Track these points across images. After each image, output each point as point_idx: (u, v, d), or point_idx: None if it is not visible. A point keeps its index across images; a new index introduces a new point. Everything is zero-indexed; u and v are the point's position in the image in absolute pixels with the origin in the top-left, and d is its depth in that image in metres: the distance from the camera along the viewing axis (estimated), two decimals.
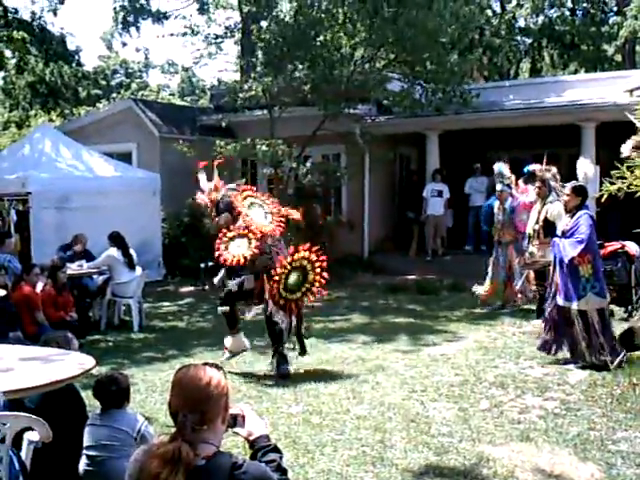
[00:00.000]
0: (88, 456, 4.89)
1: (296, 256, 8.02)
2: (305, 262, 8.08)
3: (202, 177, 8.68)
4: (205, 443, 2.60)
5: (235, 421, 2.89)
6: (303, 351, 8.43)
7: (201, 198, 8.67)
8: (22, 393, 4.19)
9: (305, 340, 8.48)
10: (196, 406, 2.61)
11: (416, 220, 17.01)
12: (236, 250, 7.89)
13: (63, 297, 10.10)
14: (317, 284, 8.20)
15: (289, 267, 7.97)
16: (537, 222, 9.59)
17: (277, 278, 7.93)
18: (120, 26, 25.04)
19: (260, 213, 8.30)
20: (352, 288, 14.52)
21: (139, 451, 2.76)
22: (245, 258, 7.81)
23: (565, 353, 8.13)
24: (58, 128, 18.87)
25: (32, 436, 3.82)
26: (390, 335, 10.03)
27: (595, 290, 7.82)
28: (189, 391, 2.65)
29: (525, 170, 11.02)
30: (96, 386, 5.03)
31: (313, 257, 8.12)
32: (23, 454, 3.87)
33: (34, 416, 3.62)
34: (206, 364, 2.85)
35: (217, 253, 8.00)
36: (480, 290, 11.71)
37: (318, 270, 8.14)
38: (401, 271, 15.67)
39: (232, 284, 8.22)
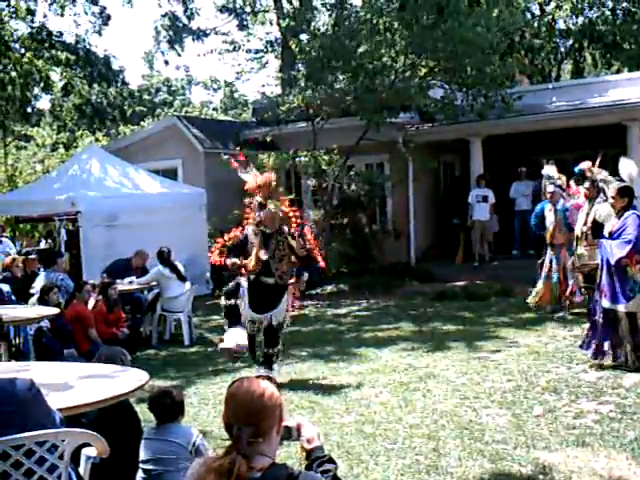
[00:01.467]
0: (144, 470, 4.96)
1: None
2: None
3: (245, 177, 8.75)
4: (260, 455, 2.62)
5: (290, 433, 2.91)
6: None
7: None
8: (78, 410, 4.26)
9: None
10: (251, 419, 2.63)
11: (462, 226, 16.91)
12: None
13: (114, 313, 10.25)
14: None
15: None
16: (585, 224, 9.47)
17: None
18: (162, 45, 25.43)
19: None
20: (400, 296, 14.48)
21: (195, 464, 2.78)
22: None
23: (608, 356, 8.00)
24: (105, 148, 19.19)
25: (90, 452, 3.88)
26: (440, 342, 9.98)
27: None
28: (243, 404, 2.68)
29: (577, 170, 10.90)
30: (151, 400, 5.10)
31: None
32: (81, 470, 3.93)
33: (91, 432, 3.67)
34: (259, 377, 2.88)
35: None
36: (532, 299, 11.57)
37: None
38: (449, 278, 15.59)
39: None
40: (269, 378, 2.86)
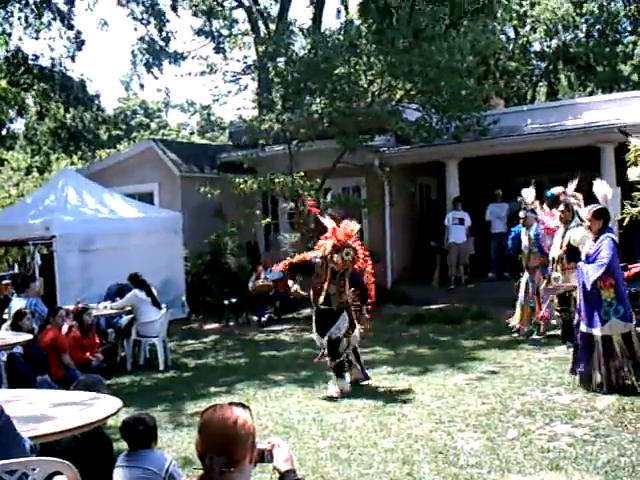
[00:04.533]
0: None
1: None
2: None
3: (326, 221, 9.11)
4: None
5: (263, 456, 2.89)
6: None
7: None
8: (51, 437, 4.22)
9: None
10: (223, 448, 2.62)
11: (439, 249, 16.98)
12: None
13: (89, 339, 10.17)
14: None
15: None
16: (560, 247, 9.54)
17: None
18: (138, 68, 25.46)
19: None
20: (376, 319, 14.33)
21: None
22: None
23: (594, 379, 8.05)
24: (80, 172, 19.12)
25: None
26: (416, 366, 9.98)
27: (618, 315, 7.77)
28: (216, 433, 2.65)
29: (548, 194, 11.02)
30: (123, 427, 5.06)
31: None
32: None
33: (63, 460, 3.64)
34: (232, 404, 2.86)
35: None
36: (514, 321, 11.63)
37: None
38: (425, 301, 15.63)
39: None
40: (244, 406, 2.83)
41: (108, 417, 4.76)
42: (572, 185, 10.13)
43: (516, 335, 11.56)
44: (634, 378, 7.71)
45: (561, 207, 9.87)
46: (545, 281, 10.86)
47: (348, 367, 8.79)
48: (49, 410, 4.85)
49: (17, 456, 3.42)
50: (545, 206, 11.21)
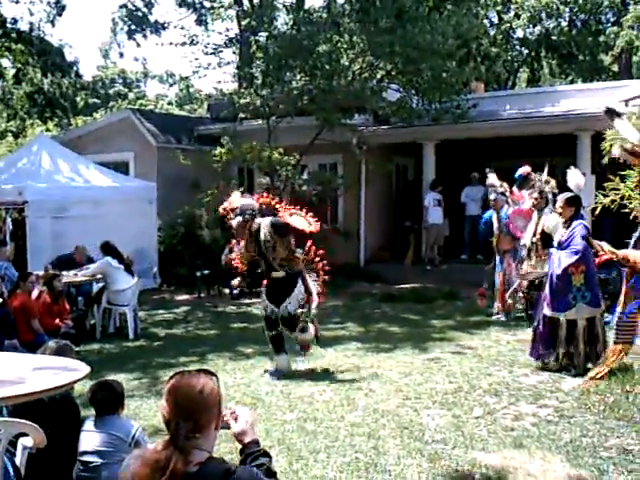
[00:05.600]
0: (82, 462, 4.91)
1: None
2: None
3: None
4: (198, 449, 2.61)
5: (227, 424, 2.90)
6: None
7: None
8: (17, 400, 4.20)
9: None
10: (189, 414, 2.62)
11: (413, 229, 17.04)
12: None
13: (59, 305, 10.11)
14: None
15: None
16: (534, 234, 9.61)
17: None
18: (118, 37, 25.24)
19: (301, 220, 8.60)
20: (348, 297, 14.54)
21: (131, 457, 2.77)
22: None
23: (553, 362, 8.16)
24: (55, 138, 18.96)
25: (26, 442, 3.84)
26: (385, 343, 10.05)
27: (586, 300, 7.89)
28: (182, 399, 2.66)
29: (516, 176, 11.12)
30: (91, 392, 5.06)
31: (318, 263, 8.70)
32: (17, 460, 3.88)
33: (28, 422, 3.63)
34: (199, 371, 2.87)
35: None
36: (495, 307, 11.74)
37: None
38: (397, 280, 15.71)
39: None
40: (211, 373, 2.83)
41: (76, 382, 4.73)
42: (545, 171, 10.20)
43: (485, 316, 11.65)
44: (594, 362, 7.88)
45: (535, 194, 9.93)
46: (514, 264, 10.98)
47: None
48: (17, 373, 4.82)
49: None
50: (515, 188, 11.28)
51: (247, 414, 2.96)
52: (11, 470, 3.72)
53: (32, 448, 3.84)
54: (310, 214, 8.77)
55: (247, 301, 14.09)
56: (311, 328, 8.55)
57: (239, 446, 2.94)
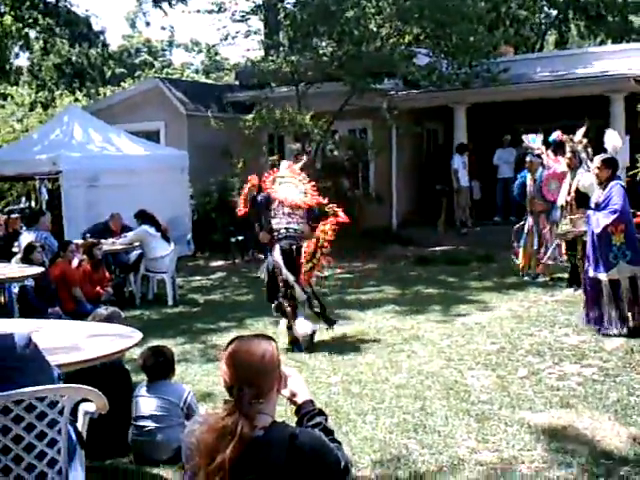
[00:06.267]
0: (137, 426, 5.02)
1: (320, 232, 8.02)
2: (321, 235, 8.01)
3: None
4: (261, 414, 2.62)
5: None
6: (330, 322, 8.44)
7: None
8: (74, 366, 4.27)
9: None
10: (252, 380, 2.62)
11: (444, 192, 16.98)
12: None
13: (99, 273, 10.25)
14: (321, 260, 8.07)
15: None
16: (569, 193, 9.56)
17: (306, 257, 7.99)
18: (144, 5, 25.14)
19: (291, 189, 8.30)
20: (382, 260, 14.57)
21: (194, 424, 2.76)
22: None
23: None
24: (85, 108, 19.02)
25: (88, 407, 3.90)
26: (423, 305, 10.07)
27: (627, 259, 7.83)
28: (244, 365, 2.66)
29: (550, 140, 11.03)
30: (142, 359, 5.14)
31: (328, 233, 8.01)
32: (79, 425, 3.95)
33: (91, 388, 3.69)
34: (257, 336, 2.88)
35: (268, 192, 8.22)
36: (518, 261, 11.73)
37: (326, 244, 8.00)
38: (430, 243, 15.71)
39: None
40: (270, 338, 2.84)
41: (130, 347, 4.82)
42: (580, 132, 10.10)
43: (524, 277, 11.62)
44: (635, 320, 7.85)
45: (568, 154, 9.89)
46: (549, 226, 10.95)
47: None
48: (72, 340, 4.90)
49: (46, 384, 3.47)
50: (550, 152, 11.20)
51: (297, 375, 2.98)
52: (74, 436, 3.78)
53: (94, 413, 3.89)
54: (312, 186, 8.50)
55: None
56: (304, 324, 8.12)
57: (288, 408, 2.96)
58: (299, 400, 2.91)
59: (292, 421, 2.85)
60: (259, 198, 8.39)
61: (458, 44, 16.48)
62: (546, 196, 11.13)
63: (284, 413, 3.50)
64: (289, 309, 8.14)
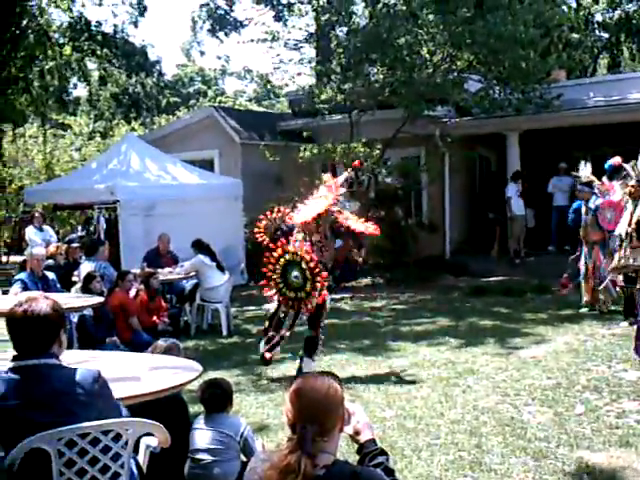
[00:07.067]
0: (194, 459, 5.05)
1: (291, 248, 7.77)
2: (305, 266, 7.65)
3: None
4: (324, 452, 2.64)
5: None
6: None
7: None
8: (140, 399, 4.35)
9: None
10: (315, 418, 2.64)
11: (498, 220, 16.89)
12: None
13: (155, 303, 10.39)
14: (318, 286, 7.67)
15: (287, 257, 7.72)
16: (630, 224, 9.36)
17: (272, 261, 7.78)
18: (199, 35, 25.62)
19: (312, 204, 8.13)
20: (435, 290, 14.51)
21: (257, 461, 2.79)
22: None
23: None
24: (142, 137, 19.35)
25: (150, 441, 3.97)
26: (478, 338, 10.01)
27: None
28: (308, 403, 2.68)
29: (606, 166, 10.90)
30: (201, 391, 5.19)
31: (314, 267, 7.64)
32: (140, 458, 4.02)
33: (154, 422, 3.76)
34: (322, 373, 2.91)
35: None
36: (585, 297, 11.54)
37: (317, 285, 7.64)
38: (483, 273, 15.61)
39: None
40: (334, 375, 2.87)
41: (192, 381, 4.87)
42: None
43: (577, 309, 11.48)
44: None
45: (632, 182, 9.66)
46: (608, 256, 10.76)
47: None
48: (133, 372, 4.99)
49: (111, 418, 3.54)
50: (605, 179, 11.06)
51: (361, 412, 3.00)
52: (135, 470, 3.85)
53: (156, 448, 3.96)
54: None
55: (335, 297, 14.13)
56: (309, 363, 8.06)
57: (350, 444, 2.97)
58: (362, 439, 2.93)
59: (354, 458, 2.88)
60: (283, 227, 8.32)
61: (510, 70, 16.45)
62: (602, 225, 10.97)
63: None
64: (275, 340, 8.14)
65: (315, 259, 7.69)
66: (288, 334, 8.23)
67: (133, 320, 9.63)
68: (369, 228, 8.21)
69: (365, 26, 17.00)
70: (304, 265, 7.64)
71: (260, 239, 8.41)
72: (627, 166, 10.06)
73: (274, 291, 7.94)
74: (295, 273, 7.71)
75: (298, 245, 7.88)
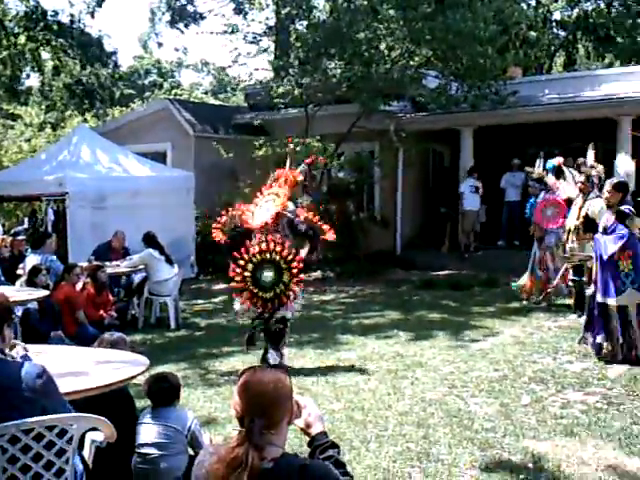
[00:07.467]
0: (140, 454, 4.99)
1: (263, 247, 7.61)
2: (278, 258, 7.59)
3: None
4: (271, 445, 2.62)
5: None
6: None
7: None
8: (85, 393, 4.27)
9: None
10: (263, 411, 2.63)
11: (449, 215, 17.01)
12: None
13: (102, 296, 10.26)
14: (292, 286, 7.69)
15: (258, 257, 7.61)
16: (577, 218, 9.59)
17: (242, 263, 7.61)
18: (158, 26, 25.34)
19: (264, 208, 8.08)
20: (385, 284, 14.58)
21: (205, 455, 2.77)
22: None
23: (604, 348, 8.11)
24: (94, 129, 19.10)
25: (95, 436, 3.91)
26: (426, 331, 10.07)
27: (635, 285, 7.83)
28: (256, 396, 2.66)
29: (548, 167, 11.11)
30: (147, 385, 5.13)
31: (287, 255, 7.59)
32: (85, 454, 3.96)
33: (100, 416, 3.70)
34: (270, 366, 2.90)
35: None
36: (519, 282, 11.74)
37: (295, 271, 7.61)
38: (433, 267, 15.72)
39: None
40: (282, 368, 2.86)
41: (139, 375, 4.82)
42: (590, 156, 10.15)
43: (526, 302, 11.63)
44: None
45: (581, 178, 9.96)
46: (546, 251, 11.00)
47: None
48: (79, 367, 4.91)
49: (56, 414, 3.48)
50: (551, 177, 11.26)
51: (312, 405, 2.98)
52: (80, 465, 3.79)
53: (102, 443, 3.90)
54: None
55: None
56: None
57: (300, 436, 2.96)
58: (313, 432, 2.92)
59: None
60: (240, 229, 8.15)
61: (468, 66, 16.58)
62: (536, 220, 11.23)
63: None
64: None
65: (285, 245, 7.65)
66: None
67: (79, 314, 9.50)
68: (328, 233, 8.23)
69: (325, 20, 17.00)
70: (275, 257, 7.56)
71: (217, 238, 8.28)
72: (565, 169, 10.33)
73: (247, 297, 7.79)
74: (265, 274, 7.62)
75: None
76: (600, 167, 10.04)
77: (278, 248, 7.59)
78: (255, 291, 7.68)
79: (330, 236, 8.24)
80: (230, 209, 8.41)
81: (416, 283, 14.42)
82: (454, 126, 17.53)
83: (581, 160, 10.51)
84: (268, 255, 7.56)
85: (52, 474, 3.44)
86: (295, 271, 7.61)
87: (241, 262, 7.61)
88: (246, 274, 7.60)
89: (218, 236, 8.26)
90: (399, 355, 8.71)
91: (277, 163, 18.22)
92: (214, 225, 8.38)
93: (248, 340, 8.28)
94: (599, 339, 8.05)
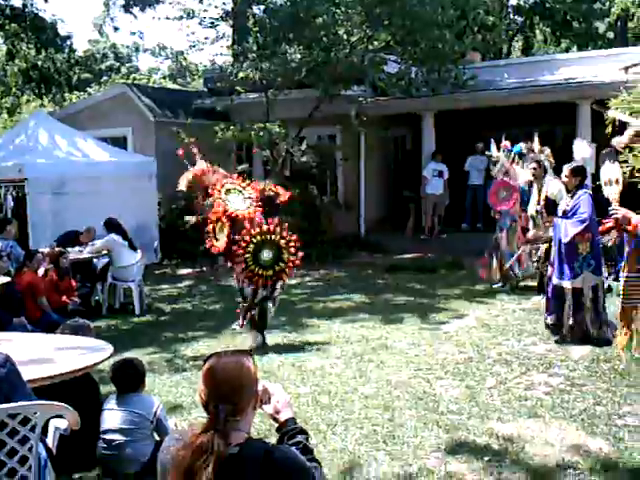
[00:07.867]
0: (105, 440, 4.96)
1: (264, 228, 8.17)
2: (278, 239, 8.20)
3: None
4: (237, 431, 2.61)
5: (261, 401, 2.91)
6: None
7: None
8: (44, 381, 4.23)
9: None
10: (229, 397, 2.61)
11: (412, 199, 17.06)
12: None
13: (65, 282, 10.14)
14: (291, 264, 8.32)
15: (258, 238, 8.12)
16: (538, 202, 9.68)
17: (244, 244, 8.07)
18: (112, 10, 24.97)
19: (238, 199, 8.34)
20: (350, 267, 14.59)
21: (171, 441, 2.75)
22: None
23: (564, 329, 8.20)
24: (52, 114, 18.81)
25: (60, 423, 3.87)
26: (392, 314, 10.10)
27: (591, 268, 7.92)
28: (221, 382, 2.64)
29: (515, 151, 11.18)
30: (114, 370, 5.09)
31: (286, 235, 8.27)
32: (49, 441, 3.92)
33: (63, 404, 3.66)
34: (235, 351, 2.87)
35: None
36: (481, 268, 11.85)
37: (292, 250, 8.25)
38: (398, 250, 15.75)
39: None
40: (247, 353, 2.83)
41: (103, 361, 4.78)
42: (535, 140, 10.29)
43: (490, 285, 11.70)
44: (597, 329, 7.94)
45: (533, 164, 10.05)
46: (502, 234, 11.11)
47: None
48: (41, 353, 4.86)
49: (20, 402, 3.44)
50: (506, 159, 11.37)
51: (281, 391, 2.97)
52: (44, 452, 3.75)
53: (66, 430, 3.86)
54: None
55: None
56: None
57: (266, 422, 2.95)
58: (281, 418, 2.90)
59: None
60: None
61: (427, 51, 16.59)
62: (490, 201, 11.34)
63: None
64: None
65: (284, 228, 8.27)
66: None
67: (42, 300, 9.37)
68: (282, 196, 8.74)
69: (282, 5, 16.89)
70: (275, 237, 8.18)
71: (215, 250, 8.52)
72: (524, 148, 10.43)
73: (247, 274, 8.22)
74: (266, 253, 8.16)
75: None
76: (548, 150, 10.16)
77: (278, 229, 8.18)
78: (256, 270, 8.14)
79: (284, 197, 8.71)
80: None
81: (381, 266, 14.42)
82: (414, 110, 17.54)
83: (529, 145, 10.64)
84: (268, 236, 8.14)
85: (15, 462, 3.40)
86: (293, 250, 8.22)
87: (242, 244, 8.06)
88: (247, 256, 8.07)
89: (215, 246, 8.46)
90: (365, 338, 8.73)
91: (238, 147, 18.34)
92: (207, 241, 8.57)
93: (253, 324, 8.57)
94: (549, 320, 8.16)
